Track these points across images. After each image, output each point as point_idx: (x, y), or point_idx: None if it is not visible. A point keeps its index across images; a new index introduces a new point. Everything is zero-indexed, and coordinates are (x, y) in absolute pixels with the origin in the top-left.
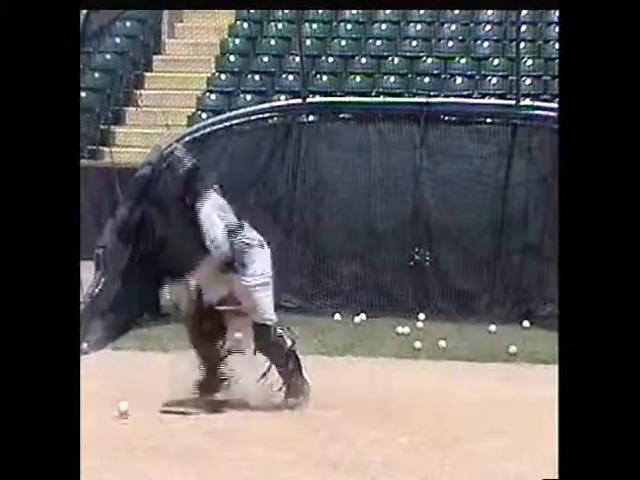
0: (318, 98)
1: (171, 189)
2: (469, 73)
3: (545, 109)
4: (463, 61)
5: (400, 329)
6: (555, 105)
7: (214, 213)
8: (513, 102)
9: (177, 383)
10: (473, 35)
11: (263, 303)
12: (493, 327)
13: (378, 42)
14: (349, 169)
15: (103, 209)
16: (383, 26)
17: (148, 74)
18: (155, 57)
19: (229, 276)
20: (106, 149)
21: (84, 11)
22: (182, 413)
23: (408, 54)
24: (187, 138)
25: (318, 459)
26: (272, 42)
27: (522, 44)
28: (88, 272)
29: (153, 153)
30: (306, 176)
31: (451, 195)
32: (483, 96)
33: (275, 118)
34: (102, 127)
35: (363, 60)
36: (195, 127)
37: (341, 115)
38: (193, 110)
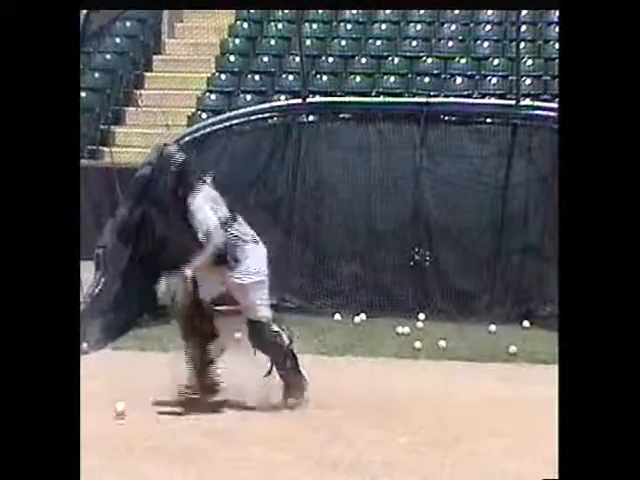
0: (318, 98)
1: (164, 183)
2: (469, 73)
3: (545, 109)
4: (463, 61)
5: (400, 329)
6: (555, 105)
7: (207, 205)
8: (513, 102)
9: (177, 383)
10: (473, 35)
11: (258, 302)
12: (493, 327)
13: (378, 42)
14: (349, 169)
15: (103, 209)
16: (383, 26)
17: (148, 74)
18: (155, 57)
19: (223, 271)
20: (106, 149)
21: (84, 11)
22: (181, 413)
23: (408, 54)
24: (187, 138)
25: (318, 459)
26: (272, 42)
27: (522, 44)
28: (88, 272)
29: (153, 153)
30: (306, 176)
31: (451, 195)
32: (483, 96)
33: (275, 118)
34: (102, 127)
35: (363, 60)
36: (195, 127)
37: (341, 115)
38: (193, 110)
